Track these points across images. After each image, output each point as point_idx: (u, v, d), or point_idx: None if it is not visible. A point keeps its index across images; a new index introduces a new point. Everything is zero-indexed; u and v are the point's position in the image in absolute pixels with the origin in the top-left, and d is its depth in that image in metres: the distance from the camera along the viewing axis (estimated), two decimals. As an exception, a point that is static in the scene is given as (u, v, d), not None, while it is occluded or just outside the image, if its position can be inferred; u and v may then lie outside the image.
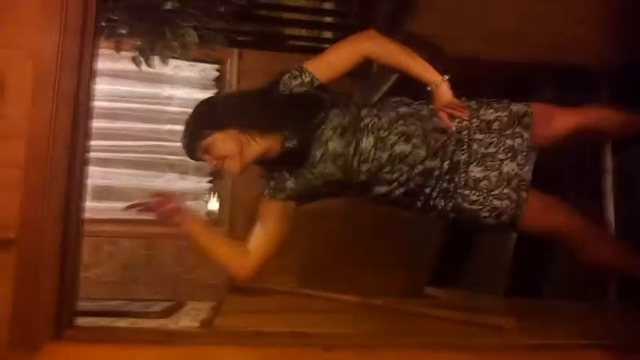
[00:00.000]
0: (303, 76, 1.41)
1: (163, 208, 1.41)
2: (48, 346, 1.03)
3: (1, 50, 1.20)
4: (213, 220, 3.34)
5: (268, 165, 1.46)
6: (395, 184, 1.42)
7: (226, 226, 3.28)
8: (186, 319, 1.62)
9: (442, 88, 1.42)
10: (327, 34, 3.37)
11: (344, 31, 3.21)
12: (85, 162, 1.28)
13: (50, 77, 1.22)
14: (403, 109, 1.47)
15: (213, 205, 3.42)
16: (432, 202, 1.45)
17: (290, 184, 1.43)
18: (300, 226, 1.52)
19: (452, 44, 2.01)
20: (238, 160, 1.36)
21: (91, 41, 1.29)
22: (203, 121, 1.38)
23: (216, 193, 3.40)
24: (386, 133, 1.41)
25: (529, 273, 2.15)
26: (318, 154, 1.39)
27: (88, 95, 1.28)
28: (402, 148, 1.40)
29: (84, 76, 1.27)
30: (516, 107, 1.50)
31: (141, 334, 1.15)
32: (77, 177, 1.26)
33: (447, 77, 1.43)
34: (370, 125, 1.41)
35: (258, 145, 1.37)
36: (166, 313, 1.72)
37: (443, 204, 1.43)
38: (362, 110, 1.44)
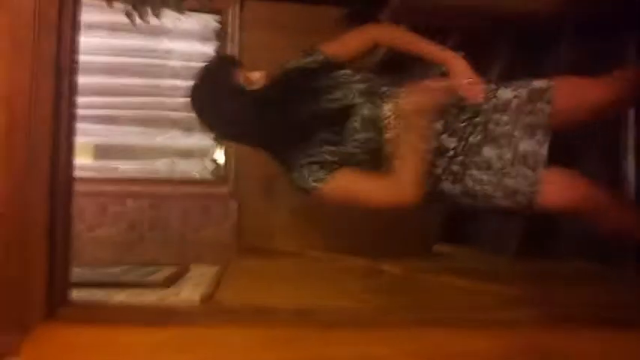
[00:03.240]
0: (316, 54, 1.46)
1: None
2: (39, 327, 0.98)
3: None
4: (218, 177, 3.29)
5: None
6: None
7: (231, 182, 3.22)
8: (188, 290, 1.58)
9: (461, 64, 1.40)
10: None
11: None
12: (72, 122, 1.20)
13: (28, 35, 1.13)
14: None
15: (219, 160, 3.36)
16: (440, 185, 1.41)
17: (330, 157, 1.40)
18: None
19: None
20: None
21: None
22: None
23: (222, 149, 3.33)
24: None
25: (541, 233, 2.09)
26: (357, 123, 1.39)
27: (72, 50, 1.18)
28: None
29: (64, 29, 1.17)
30: (538, 83, 1.45)
31: (137, 314, 1.10)
32: (63, 139, 1.18)
33: (462, 54, 1.43)
34: (388, 93, 1.42)
35: None
36: (168, 282, 1.68)
37: (451, 187, 1.40)
38: (379, 79, 1.46)
